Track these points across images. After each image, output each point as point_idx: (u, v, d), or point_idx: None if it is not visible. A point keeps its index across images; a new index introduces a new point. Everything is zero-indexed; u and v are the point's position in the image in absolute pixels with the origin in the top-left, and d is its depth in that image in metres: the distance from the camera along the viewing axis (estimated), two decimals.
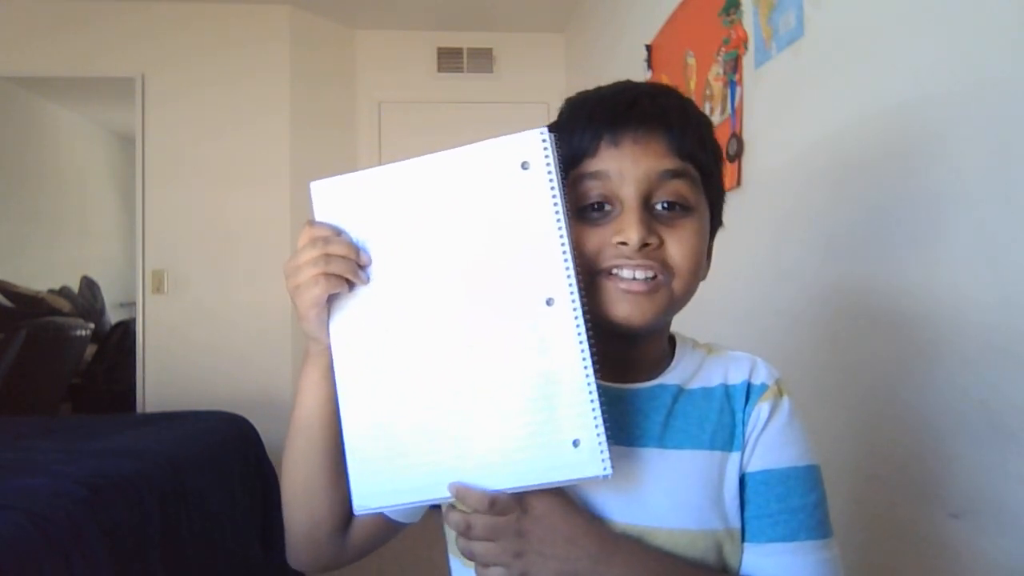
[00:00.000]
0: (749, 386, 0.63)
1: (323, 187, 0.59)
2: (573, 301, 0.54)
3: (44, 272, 3.51)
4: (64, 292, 3.54)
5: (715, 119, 1.65)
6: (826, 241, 1.22)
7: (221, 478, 1.89)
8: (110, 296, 3.72)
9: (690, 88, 1.84)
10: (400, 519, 0.68)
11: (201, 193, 3.20)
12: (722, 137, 1.59)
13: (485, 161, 0.56)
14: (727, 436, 0.62)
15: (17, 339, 2.94)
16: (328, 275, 0.55)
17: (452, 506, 0.57)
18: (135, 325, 3.21)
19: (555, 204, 0.55)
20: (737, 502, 0.61)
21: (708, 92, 1.73)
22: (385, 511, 0.64)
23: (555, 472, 0.54)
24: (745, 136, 1.54)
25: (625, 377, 0.63)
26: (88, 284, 3.67)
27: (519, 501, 0.55)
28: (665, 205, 0.60)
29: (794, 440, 0.62)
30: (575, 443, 0.53)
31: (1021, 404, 0.79)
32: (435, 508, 0.68)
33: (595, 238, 0.59)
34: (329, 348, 0.58)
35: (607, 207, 0.60)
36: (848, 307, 1.15)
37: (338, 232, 0.57)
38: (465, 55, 3.60)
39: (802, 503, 0.60)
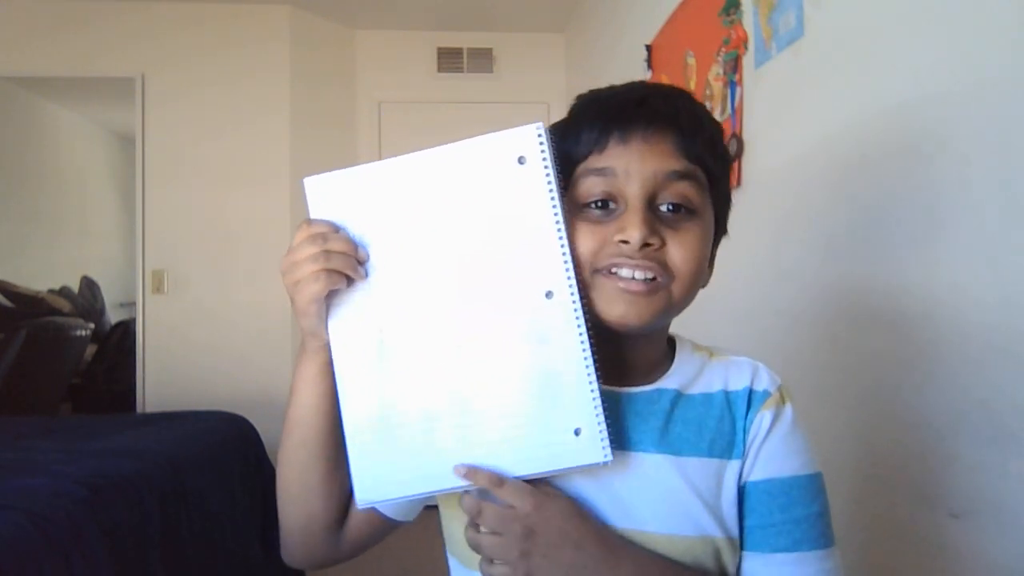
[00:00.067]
0: (751, 393, 0.62)
1: (317, 183, 0.58)
2: (572, 294, 0.55)
3: (44, 272, 3.51)
4: (64, 292, 3.54)
5: None
6: (826, 241, 1.22)
7: (221, 478, 1.89)
8: (110, 296, 3.72)
9: (690, 88, 1.84)
10: (395, 516, 0.67)
11: (201, 193, 3.20)
12: None
13: (481, 156, 0.57)
14: (726, 443, 0.61)
15: (17, 339, 2.94)
16: (328, 271, 0.55)
17: (467, 492, 0.57)
18: (135, 325, 3.21)
19: (552, 198, 0.55)
20: (735, 510, 0.60)
21: (708, 92, 1.73)
22: (387, 504, 0.64)
23: (557, 460, 0.55)
24: (745, 136, 1.54)
25: (623, 380, 0.62)
26: (88, 284, 3.67)
27: (530, 494, 0.55)
28: (670, 207, 0.59)
29: (797, 449, 0.61)
30: (576, 431, 0.54)
31: (1021, 404, 0.79)
32: (432, 508, 0.68)
33: (596, 235, 0.58)
34: (327, 344, 0.58)
35: (611, 204, 0.59)
36: (848, 307, 1.15)
37: (336, 228, 0.57)
38: (465, 55, 3.59)
39: (805, 513, 0.60)
